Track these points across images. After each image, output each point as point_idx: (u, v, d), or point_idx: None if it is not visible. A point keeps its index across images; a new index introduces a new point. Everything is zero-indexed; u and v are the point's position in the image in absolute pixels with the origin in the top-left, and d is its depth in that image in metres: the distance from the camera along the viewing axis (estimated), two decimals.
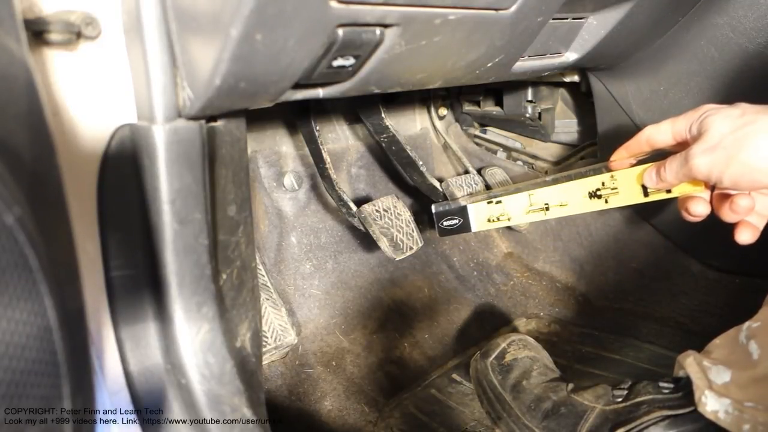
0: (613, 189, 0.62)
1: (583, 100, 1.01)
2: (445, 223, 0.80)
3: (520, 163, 1.13)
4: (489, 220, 0.76)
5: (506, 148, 1.17)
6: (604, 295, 1.05)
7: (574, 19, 0.66)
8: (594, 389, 0.69)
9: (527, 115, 1.03)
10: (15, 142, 0.25)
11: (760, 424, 0.50)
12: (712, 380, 0.56)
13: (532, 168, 1.10)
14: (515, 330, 1.05)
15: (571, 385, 0.72)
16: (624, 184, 0.61)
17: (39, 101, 0.28)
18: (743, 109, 0.49)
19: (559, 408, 0.69)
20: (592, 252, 1.07)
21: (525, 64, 0.65)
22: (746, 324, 0.57)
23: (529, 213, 0.71)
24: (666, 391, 0.62)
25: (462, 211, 0.77)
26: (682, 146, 0.53)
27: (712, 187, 0.55)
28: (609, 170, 0.63)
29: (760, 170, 0.46)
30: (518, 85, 1.02)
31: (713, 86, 0.75)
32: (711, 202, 0.56)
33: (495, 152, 1.18)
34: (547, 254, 1.14)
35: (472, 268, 1.17)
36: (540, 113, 1.03)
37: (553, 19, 0.60)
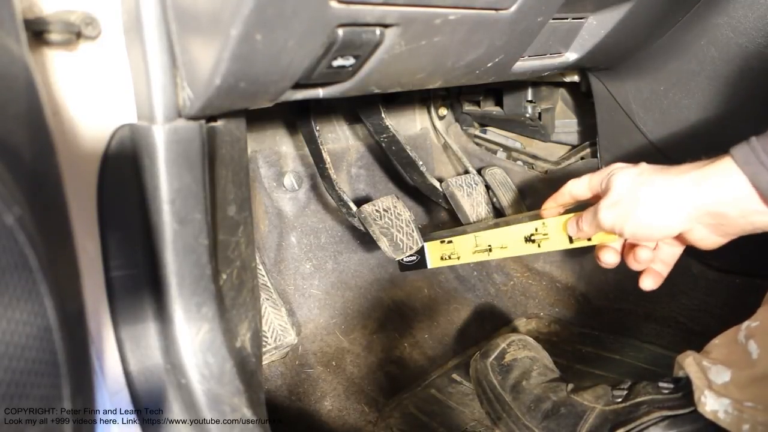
0: (544, 235, 0.69)
1: (583, 100, 1.01)
2: (405, 260, 0.88)
3: (520, 163, 1.13)
4: (442, 258, 0.85)
5: (506, 148, 1.17)
6: (604, 295, 1.05)
7: (574, 19, 0.66)
8: (594, 389, 0.69)
9: (527, 115, 1.03)
10: (15, 142, 0.25)
11: (759, 424, 0.50)
12: (712, 380, 0.56)
13: (533, 168, 1.10)
14: (515, 330, 1.05)
15: (570, 386, 0.72)
16: (553, 230, 0.68)
17: (39, 101, 0.28)
18: (642, 169, 0.54)
19: (558, 408, 0.69)
20: (592, 252, 1.07)
21: (525, 64, 0.65)
22: (745, 324, 0.57)
23: (474, 253, 0.79)
24: (666, 391, 0.62)
25: (419, 249, 0.85)
26: (598, 199, 0.58)
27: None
28: (541, 218, 0.69)
29: (652, 226, 0.51)
30: (518, 85, 1.02)
31: (713, 86, 0.75)
32: (622, 251, 0.62)
33: (495, 152, 1.18)
34: (547, 254, 1.14)
35: (472, 268, 1.17)
36: (540, 113, 1.03)
37: (553, 19, 0.60)
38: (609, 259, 0.62)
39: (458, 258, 0.82)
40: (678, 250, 0.59)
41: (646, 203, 0.51)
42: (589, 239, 0.63)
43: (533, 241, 0.70)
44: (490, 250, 0.76)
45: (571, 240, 0.65)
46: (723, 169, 0.46)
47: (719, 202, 0.47)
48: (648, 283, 0.60)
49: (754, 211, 0.45)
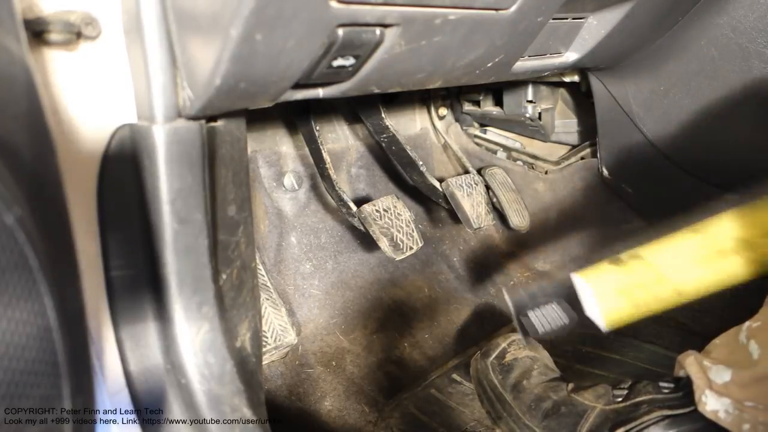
0: None
1: (583, 100, 1.01)
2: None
3: (520, 163, 1.13)
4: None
5: (506, 148, 1.17)
6: None
7: (574, 19, 0.66)
8: (594, 389, 0.69)
9: (527, 115, 1.03)
10: (15, 142, 0.25)
11: (760, 424, 0.50)
12: (713, 380, 0.56)
13: (533, 168, 1.10)
14: (515, 330, 1.05)
15: (571, 385, 0.72)
16: None
17: (39, 101, 0.28)
18: None
19: (559, 407, 0.69)
20: (592, 252, 1.07)
21: (525, 64, 0.65)
22: (746, 324, 0.57)
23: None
24: (666, 390, 0.62)
25: (569, 295, 0.49)
26: None
27: None
28: None
29: None
30: (518, 85, 1.02)
31: (713, 86, 0.75)
32: None
33: (495, 152, 1.18)
34: (547, 254, 1.14)
35: (472, 268, 1.17)
36: (540, 113, 1.03)
37: (553, 19, 0.60)
38: None
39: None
40: None
41: None
42: None
43: None
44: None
45: None
46: None
47: None
48: None
49: None
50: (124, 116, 0.40)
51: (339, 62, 0.41)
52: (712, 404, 0.54)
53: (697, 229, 0.45)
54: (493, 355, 0.80)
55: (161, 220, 0.41)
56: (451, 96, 1.20)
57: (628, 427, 0.60)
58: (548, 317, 0.44)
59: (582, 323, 0.44)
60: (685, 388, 0.60)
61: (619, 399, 0.65)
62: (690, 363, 0.59)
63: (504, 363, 0.79)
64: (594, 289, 0.42)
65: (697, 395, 0.56)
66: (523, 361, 0.78)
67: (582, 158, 1.03)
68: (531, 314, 0.45)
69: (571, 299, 0.43)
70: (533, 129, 1.08)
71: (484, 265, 1.17)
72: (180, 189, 0.40)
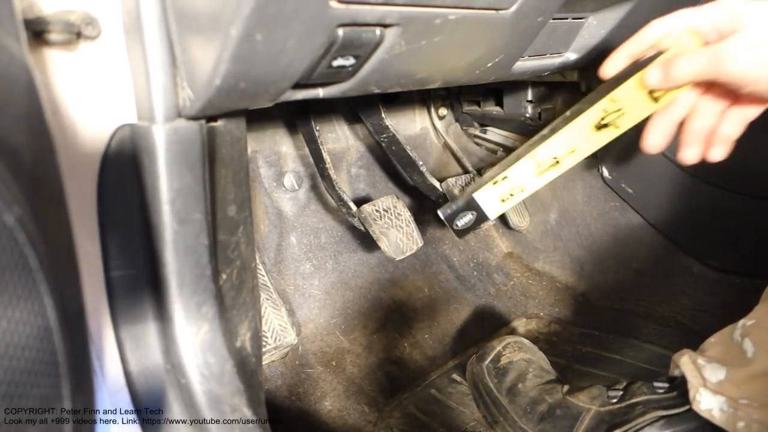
0: (617, 111, 0.55)
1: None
2: (458, 223, 0.74)
3: None
4: (503, 200, 0.69)
5: (506, 148, 1.17)
6: (604, 295, 1.05)
7: (574, 19, 0.66)
8: (589, 390, 0.69)
9: (527, 115, 1.03)
10: (15, 142, 0.25)
11: (754, 422, 0.50)
12: (707, 378, 0.56)
13: None
14: (515, 330, 1.05)
15: (566, 387, 0.72)
16: (627, 100, 0.54)
17: (39, 101, 0.28)
18: None
19: (554, 410, 0.69)
20: (592, 252, 1.07)
21: (525, 64, 0.65)
22: (741, 322, 0.58)
23: (540, 175, 0.64)
24: (661, 391, 0.62)
25: (471, 204, 0.71)
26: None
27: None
28: (604, 93, 0.56)
29: None
30: (518, 85, 1.02)
31: None
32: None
33: (495, 152, 1.18)
34: (547, 254, 1.14)
35: (472, 268, 1.17)
36: (540, 113, 1.03)
37: (553, 19, 0.60)
38: (659, 140, 0.52)
39: (522, 190, 0.67)
40: (757, 112, 0.49)
41: None
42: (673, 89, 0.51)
43: (606, 125, 0.57)
44: (558, 162, 0.62)
45: (655, 99, 0.52)
46: None
47: None
48: (720, 153, 0.51)
49: None
50: (124, 116, 0.40)
51: (339, 62, 0.41)
52: (706, 403, 0.55)
53: (534, 154, 0.63)
54: (489, 359, 0.80)
55: (161, 220, 0.41)
56: (451, 96, 1.20)
57: (623, 429, 0.61)
58: (466, 220, 0.73)
59: (482, 220, 0.72)
60: (679, 388, 0.60)
61: (614, 400, 0.65)
62: (684, 362, 0.59)
63: (499, 366, 0.79)
64: (483, 200, 0.70)
65: (692, 394, 0.56)
66: (518, 364, 0.78)
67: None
68: (457, 221, 0.73)
69: (476, 208, 0.71)
70: (533, 129, 1.08)
71: (484, 265, 1.17)
72: (180, 189, 0.41)
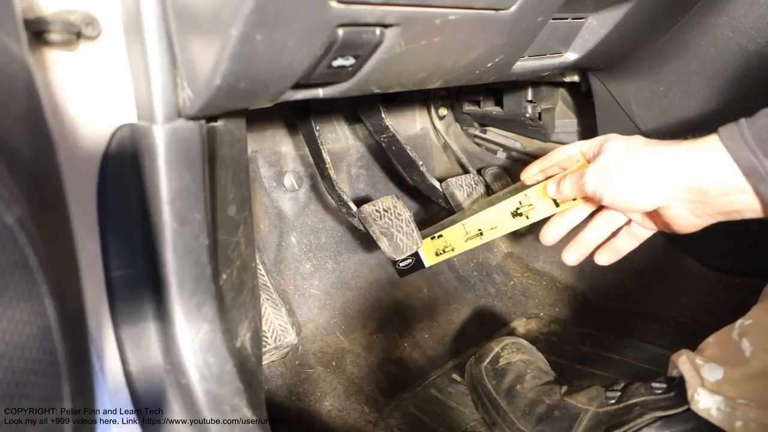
0: (529, 206, 0.68)
1: (583, 100, 1.01)
2: (401, 264, 0.90)
3: (520, 163, 1.13)
4: (437, 254, 0.86)
5: (506, 148, 1.17)
6: (604, 295, 1.05)
7: (574, 19, 0.66)
8: (587, 391, 0.69)
9: (527, 115, 1.03)
10: (15, 142, 0.25)
11: (752, 421, 0.50)
12: (705, 378, 0.56)
13: None
14: (514, 330, 1.05)
15: (564, 388, 0.71)
16: (536, 198, 0.67)
17: (39, 101, 0.28)
18: (636, 139, 0.53)
19: (552, 411, 0.69)
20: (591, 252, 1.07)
21: (525, 64, 0.65)
22: (739, 322, 0.58)
23: (467, 241, 0.79)
24: (658, 391, 0.62)
25: (412, 252, 0.85)
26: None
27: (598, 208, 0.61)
28: (521, 189, 0.68)
29: (632, 195, 0.50)
30: (518, 85, 1.02)
31: (713, 86, 0.75)
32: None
33: (495, 152, 1.18)
34: (547, 254, 1.14)
35: (472, 268, 1.17)
36: (540, 113, 1.03)
37: (553, 19, 0.60)
38: (552, 237, 0.63)
39: (452, 249, 0.82)
40: (646, 233, 0.59)
41: (630, 171, 0.50)
42: (574, 200, 0.62)
43: (520, 215, 0.69)
44: (481, 234, 0.77)
45: (557, 204, 0.64)
46: (708, 144, 0.46)
47: (701, 177, 0.46)
48: (603, 258, 0.61)
49: (734, 189, 0.45)
50: (124, 116, 0.40)
51: (339, 62, 0.41)
52: (704, 402, 0.55)
53: (464, 222, 0.78)
54: (487, 360, 0.80)
55: (161, 220, 0.41)
56: (451, 96, 1.20)
57: (621, 430, 0.61)
58: (407, 263, 0.90)
59: (420, 266, 0.90)
60: (677, 388, 0.60)
61: (612, 401, 0.65)
62: (683, 362, 0.59)
63: (497, 368, 0.79)
64: (423, 249, 0.86)
65: (690, 393, 0.56)
66: (516, 365, 0.78)
67: None
68: (399, 262, 0.90)
69: (416, 254, 0.87)
70: (533, 129, 1.08)
71: (484, 265, 1.17)
72: (179, 189, 0.41)
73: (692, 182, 0.47)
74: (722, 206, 0.47)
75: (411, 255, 0.87)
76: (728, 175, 0.45)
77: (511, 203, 0.70)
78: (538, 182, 0.66)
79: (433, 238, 0.84)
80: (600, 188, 0.52)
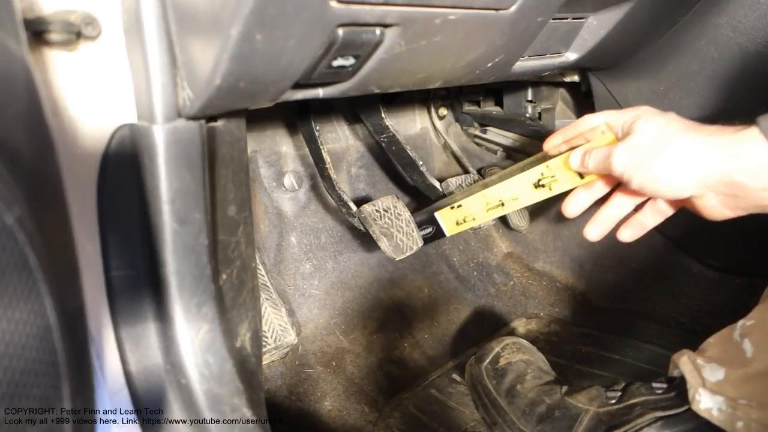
0: (552, 177, 0.65)
1: (583, 100, 1.01)
2: (422, 232, 0.88)
3: None
4: (457, 223, 0.83)
5: (506, 148, 1.17)
6: (604, 295, 1.05)
7: (574, 19, 0.66)
8: (588, 391, 0.69)
9: (527, 115, 1.03)
10: (15, 142, 0.25)
11: (753, 421, 0.50)
12: (706, 378, 0.56)
13: None
14: (515, 330, 1.05)
15: (565, 388, 0.71)
16: (558, 171, 0.64)
17: (39, 101, 0.28)
18: (670, 119, 0.50)
19: (553, 411, 0.69)
20: (592, 252, 1.07)
21: (525, 64, 0.65)
22: (740, 322, 0.58)
23: (488, 211, 0.77)
24: (659, 391, 0.62)
25: (432, 220, 0.86)
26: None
27: (616, 185, 0.59)
28: (543, 159, 0.66)
29: (664, 182, 0.49)
30: (518, 85, 1.02)
31: (713, 86, 0.75)
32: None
33: (495, 152, 1.18)
34: (547, 254, 1.14)
35: (472, 268, 1.17)
36: (540, 113, 1.03)
37: (553, 19, 0.60)
38: (574, 209, 0.61)
39: (474, 219, 0.80)
40: (671, 210, 0.56)
41: (665, 158, 0.48)
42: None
43: (543, 186, 0.67)
44: (503, 204, 0.74)
45: (581, 176, 0.61)
46: (748, 137, 0.44)
47: (740, 170, 0.44)
48: (627, 234, 0.59)
49: None
50: (124, 116, 0.40)
51: (339, 62, 0.41)
52: (705, 402, 0.55)
53: (484, 193, 0.75)
54: (487, 360, 0.80)
55: (161, 220, 0.41)
56: (451, 96, 1.20)
57: (622, 430, 0.61)
58: (427, 232, 0.87)
59: (441, 235, 0.86)
60: (678, 388, 0.60)
61: (613, 401, 0.65)
62: (684, 362, 0.59)
63: (498, 368, 0.79)
64: (442, 219, 0.85)
65: (691, 394, 0.56)
66: (516, 365, 0.78)
67: None
68: (420, 231, 0.87)
69: (436, 224, 0.86)
70: (533, 129, 1.08)
71: (484, 265, 1.17)
72: (180, 189, 0.41)
73: (730, 176, 0.45)
74: (759, 200, 0.45)
75: (430, 222, 0.86)
76: None
77: (533, 174, 0.67)
78: (561, 153, 0.63)
79: (452, 207, 0.82)
80: (629, 171, 0.50)
